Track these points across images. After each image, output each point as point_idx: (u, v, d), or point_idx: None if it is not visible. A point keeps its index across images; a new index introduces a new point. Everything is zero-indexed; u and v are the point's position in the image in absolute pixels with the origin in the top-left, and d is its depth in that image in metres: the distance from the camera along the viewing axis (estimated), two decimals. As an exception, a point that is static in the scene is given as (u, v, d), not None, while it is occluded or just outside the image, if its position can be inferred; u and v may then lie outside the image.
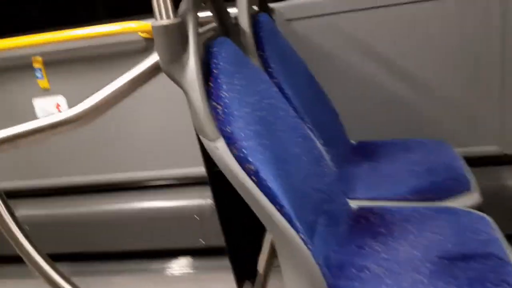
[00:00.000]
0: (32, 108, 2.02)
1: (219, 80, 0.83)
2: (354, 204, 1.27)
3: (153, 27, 0.78)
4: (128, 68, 0.83)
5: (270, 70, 1.28)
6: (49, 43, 1.83)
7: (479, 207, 1.21)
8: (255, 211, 0.84)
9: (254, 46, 1.25)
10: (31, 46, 1.86)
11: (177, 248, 2.05)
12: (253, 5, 1.46)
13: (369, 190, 1.33)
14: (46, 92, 1.99)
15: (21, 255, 0.94)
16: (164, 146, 1.99)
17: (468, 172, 1.34)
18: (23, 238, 0.93)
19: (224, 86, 0.83)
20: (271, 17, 1.56)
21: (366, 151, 1.57)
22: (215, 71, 0.85)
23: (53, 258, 0.96)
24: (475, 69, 1.66)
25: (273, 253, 1.38)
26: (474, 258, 0.97)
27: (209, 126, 0.79)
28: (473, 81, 1.67)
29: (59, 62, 1.93)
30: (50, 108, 2.01)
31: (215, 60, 0.86)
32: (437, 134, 1.68)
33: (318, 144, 1.19)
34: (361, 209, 1.24)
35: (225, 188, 1.34)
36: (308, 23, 1.72)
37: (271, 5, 1.69)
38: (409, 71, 1.71)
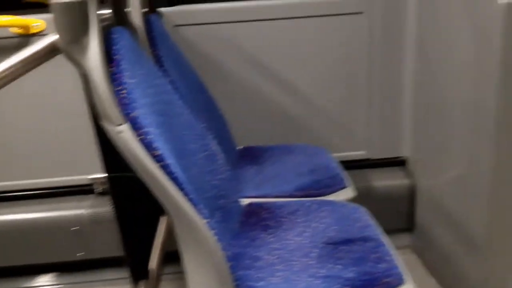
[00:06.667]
0: None
1: (121, 66, 0.82)
2: (245, 201, 1.31)
3: (52, 4, 0.74)
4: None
5: (163, 68, 1.28)
6: None
7: (353, 201, 1.35)
8: (160, 198, 0.84)
9: (147, 43, 1.24)
10: None
11: (50, 262, 1.89)
12: (144, 8, 1.46)
13: (258, 189, 1.39)
14: None
15: None
16: (38, 153, 1.84)
17: (342, 172, 1.48)
18: None
19: (127, 72, 0.82)
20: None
21: (253, 155, 1.64)
22: (116, 56, 0.82)
23: None
24: (347, 87, 1.85)
25: (166, 256, 1.36)
26: (354, 242, 1.07)
27: (113, 110, 0.76)
28: (346, 97, 1.87)
29: None
30: None
31: (115, 46, 0.84)
32: (315, 141, 1.82)
33: (213, 143, 1.22)
34: (252, 205, 1.29)
35: (124, 195, 1.29)
36: (195, 30, 1.75)
37: (160, 9, 1.69)
38: (290, 83, 1.84)
